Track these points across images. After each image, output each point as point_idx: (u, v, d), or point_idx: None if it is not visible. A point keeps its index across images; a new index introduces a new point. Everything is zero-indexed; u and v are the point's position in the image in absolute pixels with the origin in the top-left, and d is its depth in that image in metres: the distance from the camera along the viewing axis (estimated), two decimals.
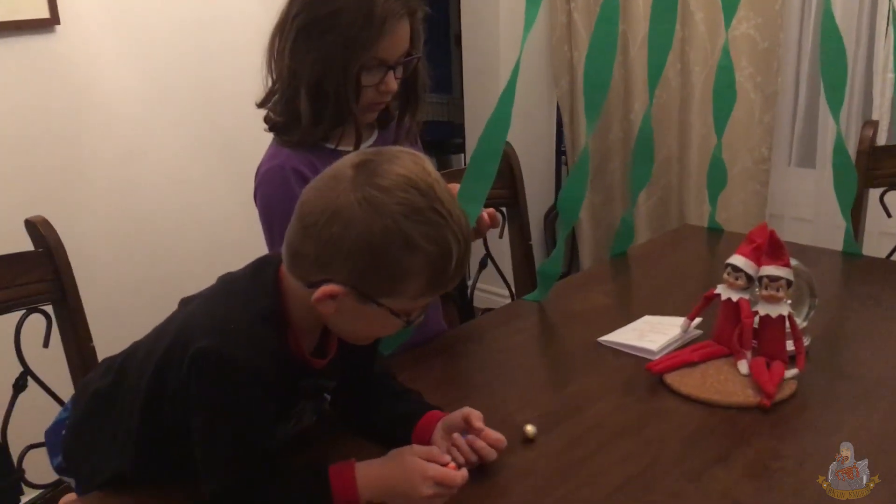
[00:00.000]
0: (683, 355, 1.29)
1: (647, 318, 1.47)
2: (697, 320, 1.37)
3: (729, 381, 1.23)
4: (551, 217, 3.21)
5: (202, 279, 1.07)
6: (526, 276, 1.93)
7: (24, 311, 1.35)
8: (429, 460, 0.98)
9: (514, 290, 1.94)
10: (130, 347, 1.09)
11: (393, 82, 1.32)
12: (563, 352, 1.47)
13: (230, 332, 0.93)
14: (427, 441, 1.07)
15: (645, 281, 1.76)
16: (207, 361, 0.92)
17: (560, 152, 3.20)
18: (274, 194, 1.32)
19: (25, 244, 1.38)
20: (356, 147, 1.35)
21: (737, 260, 1.29)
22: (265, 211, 1.35)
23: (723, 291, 1.30)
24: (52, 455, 1.14)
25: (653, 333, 1.40)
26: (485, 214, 1.34)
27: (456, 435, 1.06)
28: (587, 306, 1.58)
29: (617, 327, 1.44)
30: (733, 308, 1.29)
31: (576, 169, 1.52)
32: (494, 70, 2.98)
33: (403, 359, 1.35)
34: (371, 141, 1.42)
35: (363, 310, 0.94)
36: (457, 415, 1.07)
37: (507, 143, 1.93)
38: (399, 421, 1.11)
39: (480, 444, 1.05)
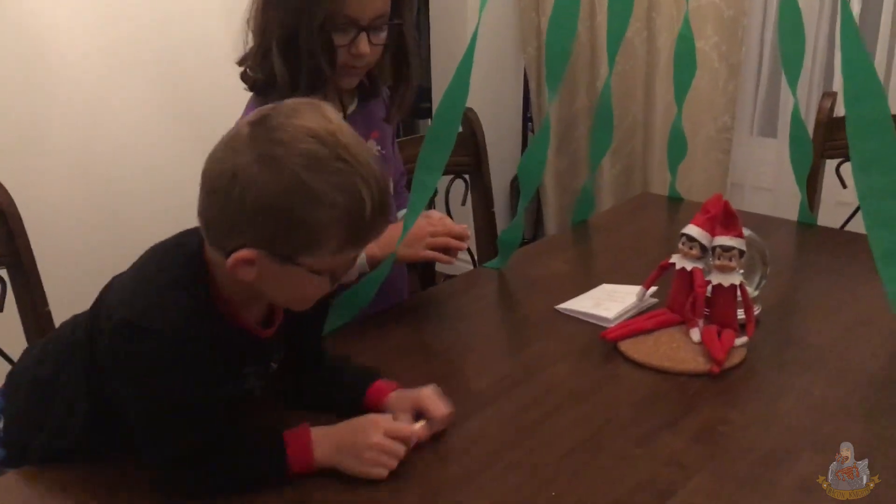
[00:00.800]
0: (637, 323, 1.32)
1: (604, 287, 1.49)
2: (653, 289, 1.39)
3: (681, 349, 1.26)
4: (517, 184, 3.22)
5: None
6: (488, 244, 1.94)
7: None
8: (391, 432, 0.99)
9: (476, 257, 1.95)
10: (61, 328, 1.07)
11: (365, 45, 1.29)
12: (521, 319, 1.49)
13: (145, 302, 0.92)
14: (380, 408, 1.08)
15: (604, 249, 1.78)
16: (124, 333, 0.91)
17: (526, 119, 3.20)
18: None
19: None
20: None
21: (691, 230, 1.31)
22: None
23: (677, 261, 1.32)
24: None
25: (609, 301, 1.42)
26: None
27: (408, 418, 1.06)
28: (547, 274, 1.60)
29: (575, 295, 1.46)
30: (687, 277, 1.31)
31: (536, 138, 1.53)
32: (461, 33, 2.96)
33: (363, 327, 1.36)
34: (352, 108, 1.41)
35: (284, 271, 0.90)
36: (422, 395, 1.07)
37: (471, 110, 1.93)
38: (348, 388, 1.10)
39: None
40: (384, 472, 0.98)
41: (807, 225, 1.78)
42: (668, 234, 1.86)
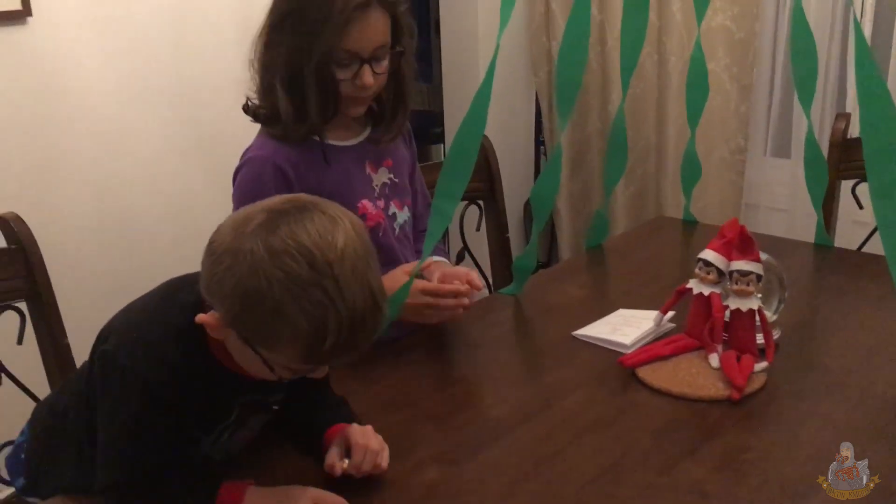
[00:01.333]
0: (656, 349, 1.31)
1: (620, 312, 1.48)
2: (670, 314, 1.39)
3: (700, 375, 1.25)
4: (530, 208, 3.22)
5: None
6: (503, 269, 1.94)
7: None
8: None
9: (491, 283, 1.95)
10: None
11: (368, 76, 1.30)
12: (537, 345, 1.49)
13: (134, 342, 0.94)
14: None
15: (620, 274, 1.77)
16: (106, 364, 0.95)
17: (539, 142, 3.21)
18: (251, 181, 1.34)
19: None
20: (350, 139, 1.40)
21: (708, 255, 1.30)
22: (238, 195, 1.36)
23: (694, 286, 1.31)
24: (13, 478, 1.15)
25: (626, 327, 1.41)
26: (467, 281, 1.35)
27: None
28: (562, 299, 1.60)
29: (591, 320, 1.45)
30: (705, 302, 1.30)
31: (549, 165, 1.53)
32: (473, 59, 2.98)
33: (380, 353, 1.35)
34: (364, 135, 1.43)
35: (244, 350, 0.92)
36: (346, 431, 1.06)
37: (485, 137, 1.94)
38: (314, 429, 1.10)
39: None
40: None
41: (824, 246, 1.77)
42: (684, 257, 1.86)
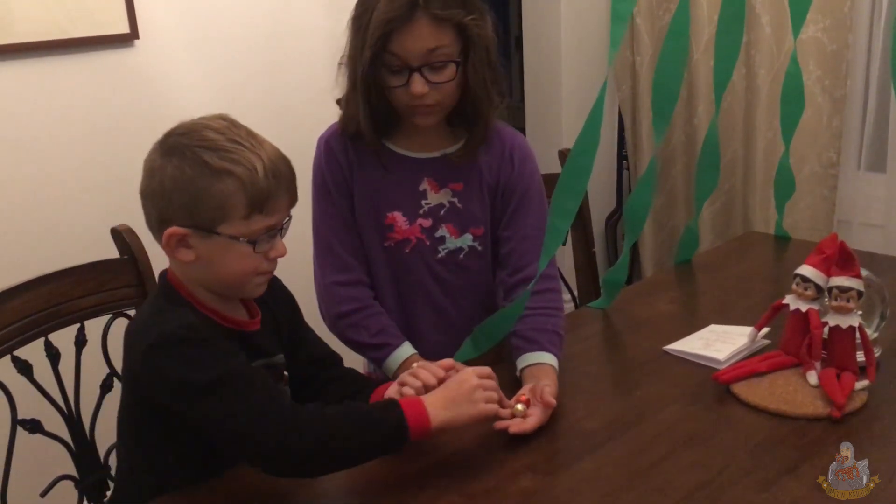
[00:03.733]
0: (751, 365, 1.30)
1: (713, 327, 1.47)
2: (765, 330, 1.37)
3: (798, 392, 1.23)
4: (612, 221, 3.21)
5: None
6: (589, 283, 1.95)
7: (110, 316, 1.42)
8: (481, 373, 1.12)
9: (577, 297, 1.95)
10: None
11: (418, 85, 1.26)
12: (628, 359, 1.49)
13: (155, 321, 1.06)
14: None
15: (710, 289, 1.75)
16: (161, 352, 1.02)
17: (622, 157, 3.19)
18: (314, 164, 1.43)
19: (108, 251, 1.45)
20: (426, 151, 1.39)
21: (806, 270, 1.28)
22: (314, 178, 1.43)
23: (791, 302, 1.30)
24: None
25: (719, 342, 1.40)
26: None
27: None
28: (652, 314, 1.59)
29: (682, 335, 1.45)
30: (802, 318, 1.28)
31: (643, 178, 1.53)
32: (556, 74, 2.99)
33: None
34: (444, 151, 1.38)
35: (212, 246, 1.05)
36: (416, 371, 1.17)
37: (570, 150, 1.95)
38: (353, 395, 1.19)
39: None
40: (496, 407, 1.11)
41: None
42: (776, 273, 1.83)
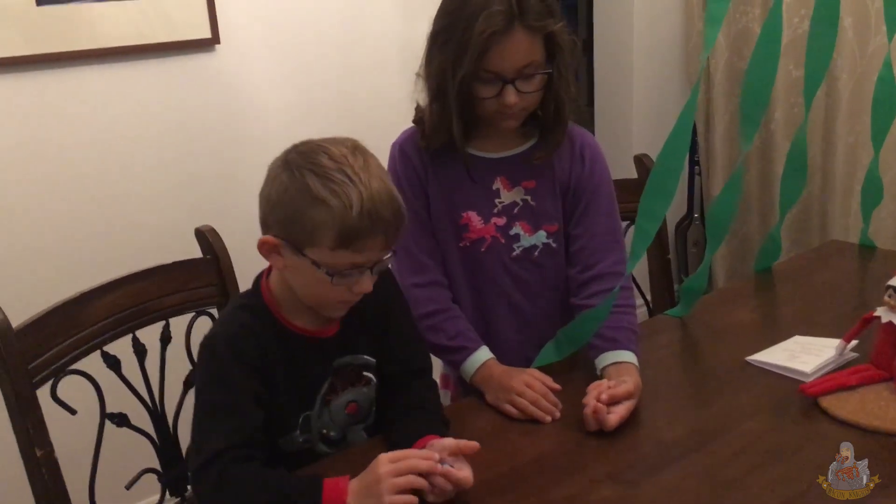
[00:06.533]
0: (840, 378, 1.26)
1: (797, 339, 1.43)
2: (853, 343, 1.33)
3: (890, 407, 1.19)
4: (683, 228, 3.16)
5: None
6: (663, 290, 1.91)
7: (193, 314, 1.45)
8: (396, 458, 1.02)
9: (650, 304, 1.93)
10: None
11: (511, 96, 1.28)
12: (708, 369, 1.45)
13: (216, 324, 1.17)
14: None
15: (793, 299, 1.71)
16: (201, 349, 1.13)
17: (693, 162, 3.13)
18: (389, 166, 1.42)
19: (191, 251, 1.48)
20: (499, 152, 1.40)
21: None
22: None
23: (883, 314, 1.26)
24: None
25: (805, 354, 1.36)
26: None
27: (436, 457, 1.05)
28: (732, 323, 1.56)
29: (764, 346, 1.41)
30: (894, 331, 1.24)
31: (729, 184, 1.49)
32: (628, 79, 2.95)
33: (550, 368, 1.37)
34: (518, 149, 1.40)
35: (299, 264, 1.08)
36: (437, 445, 1.07)
37: (646, 156, 1.92)
38: (401, 437, 1.14)
39: (440, 481, 1.02)
40: (407, 499, 0.99)
41: None
42: (862, 284, 1.77)
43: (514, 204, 1.41)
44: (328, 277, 1.07)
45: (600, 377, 1.29)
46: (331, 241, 1.05)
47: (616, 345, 1.32)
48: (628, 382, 1.23)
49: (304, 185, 1.05)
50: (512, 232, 1.41)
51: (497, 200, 1.40)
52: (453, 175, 1.39)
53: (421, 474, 1.01)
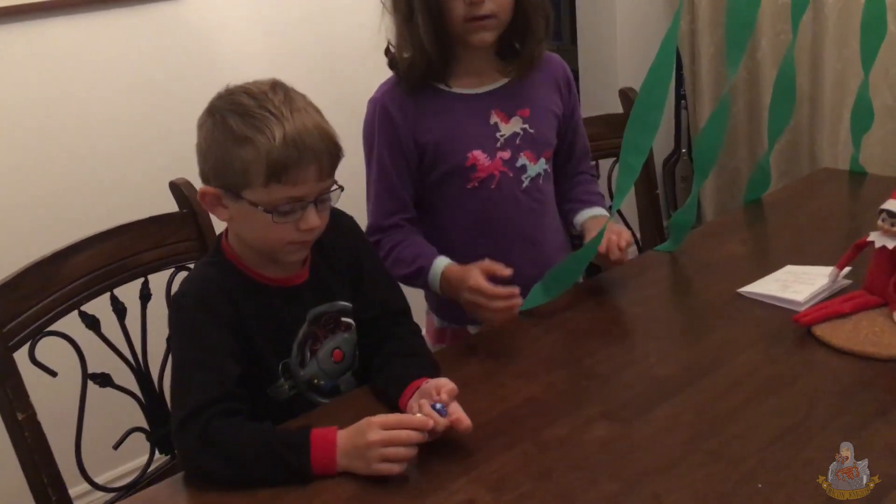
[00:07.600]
0: (833, 306, 1.24)
1: (789, 268, 1.41)
2: (846, 269, 1.31)
3: (885, 333, 1.17)
4: (671, 164, 3.12)
5: None
6: (652, 226, 1.89)
7: (173, 270, 1.42)
8: (387, 424, 0.98)
9: (640, 240, 1.90)
10: None
11: None
12: (700, 303, 1.44)
13: (184, 282, 1.14)
14: (406, 406, 1.07)
15: (783, 229, 1.68)
16: (171, 308, 1.13)
17: (680, 95, 3.08)
18: (365, 123, 1.41)
19: (167, 205, 1.44)
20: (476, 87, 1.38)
21: (892, 205, 1.21)
22: (364, 137, 1.42)
23: (876, 239, 1.23)
24: None
25: (797, 284, 1.34)
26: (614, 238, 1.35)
27: (423, 401, 1.03)
28: (723, 256, 1.53)
29: (756, 278, 1.39)
30: (888, 256, 1.22)
31: (714, 115, 1.45)
32: (611, 16, 2.87)
33: (539, 313, 1.35)
34: (500, 83, 1.39)
35: (241, 210, 1.06)
36: (431, 383, 1.06)
37: (631, 90, 1.87)
38: (392, 382, 1.12)
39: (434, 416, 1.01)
40: (394, 468, 0.97)
41: None
42: (853, 210, 1.75)
43: (515, 135, 1.40)
44: (268, 216, 1.04)
45: (579, 234, 1.45)
46: (262, 178, 1.03)
47: (590, 205, 1.47)
48: (625, 230, 1.39)
49: (227, 127, 1.04)
50: (518, 164, 1.41)
51: (498, 134, 1.40)
52: (448, 119, 1.37)
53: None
